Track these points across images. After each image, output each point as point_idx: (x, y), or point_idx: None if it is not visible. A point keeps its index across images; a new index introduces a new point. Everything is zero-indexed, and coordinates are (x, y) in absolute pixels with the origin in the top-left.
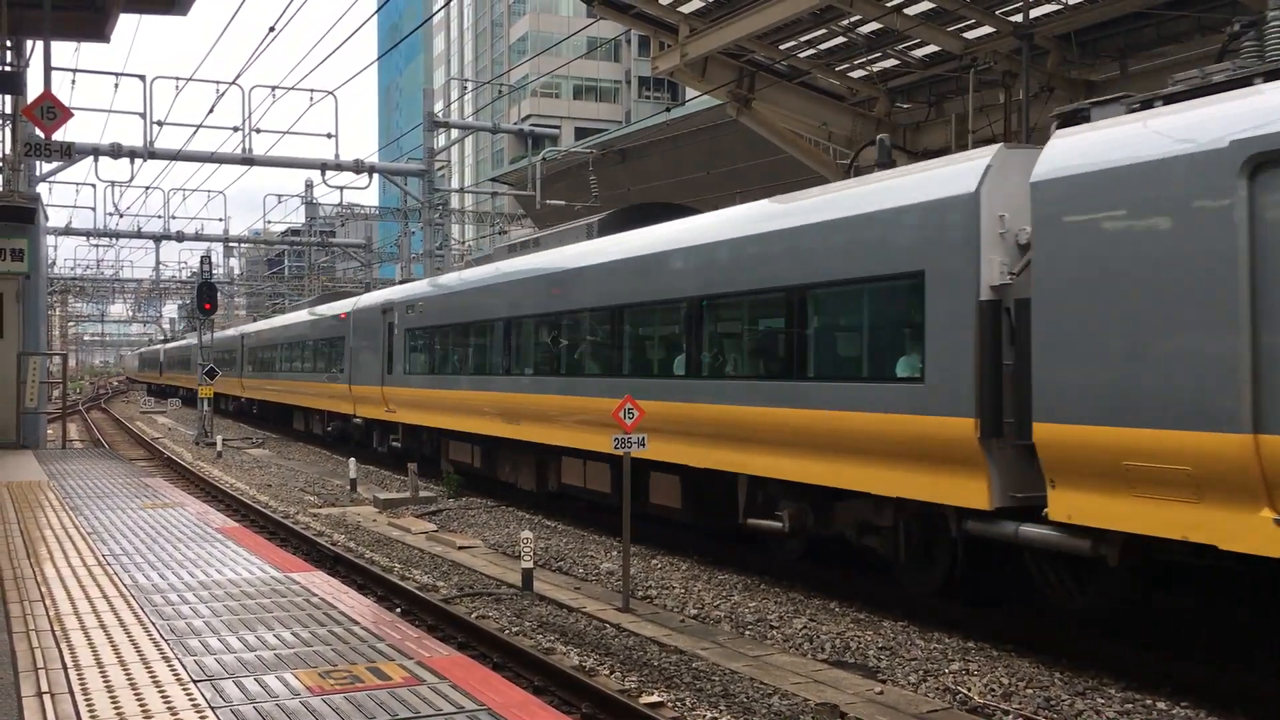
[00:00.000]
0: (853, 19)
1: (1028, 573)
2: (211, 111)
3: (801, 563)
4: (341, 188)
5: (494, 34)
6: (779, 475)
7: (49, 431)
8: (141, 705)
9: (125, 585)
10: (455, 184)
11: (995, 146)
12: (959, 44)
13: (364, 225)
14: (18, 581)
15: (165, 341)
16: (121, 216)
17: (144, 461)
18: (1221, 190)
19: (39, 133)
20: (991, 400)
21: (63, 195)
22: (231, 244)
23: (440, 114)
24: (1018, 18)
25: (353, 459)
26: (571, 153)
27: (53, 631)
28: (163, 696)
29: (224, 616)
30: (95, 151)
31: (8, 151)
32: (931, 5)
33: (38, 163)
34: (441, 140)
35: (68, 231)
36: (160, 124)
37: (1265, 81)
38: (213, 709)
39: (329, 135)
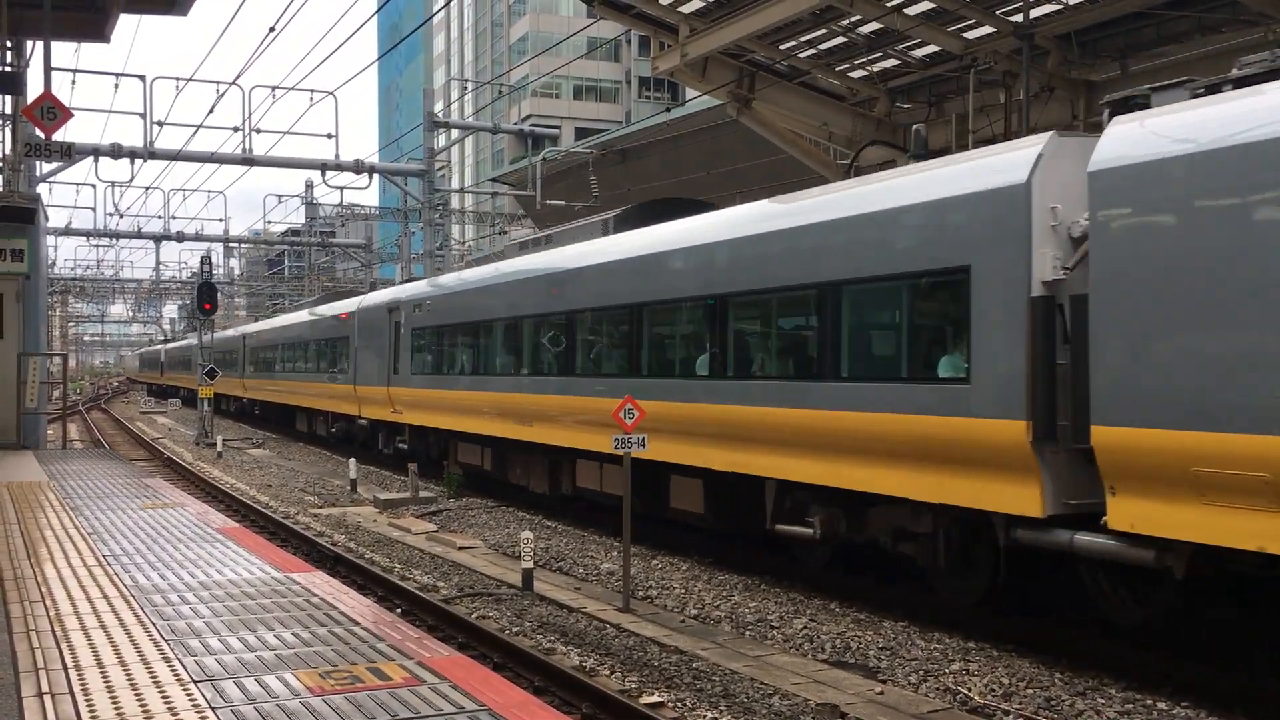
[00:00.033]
0: (853, 19)
1: (1074, 582)
2: (211, 112)
3: (802, 563)
4: (341, 188)
5: (494, 34)
6: (810, 479)
7: (49, 432)
8: (142, 706)
9: (125, 585)
10: (455, 184)
11: (1047, 134)
12: (959, 44)
13: (364, 225)
14: (18, 582)
15: (166, 342)
16: (122, 217)
17: (144, 462)
18: None
19: (39, 133)
20: (1044, 402)
21: (63, 196)
22: (232, 244)
23: (440, 114)
24: (1018, 18)
25: (353, 459)
26: (571, 153)
27: (53, 632)
28: (163, 697)
29: (224, 617)
30: (95, 152)
31: (8, 152)
32: (931, 5)
33: (38, 163)
34: (441, 140)
35: (68, 232)
36: (160, 124)
37: None
38: (213, 709)
39: (329, 135)
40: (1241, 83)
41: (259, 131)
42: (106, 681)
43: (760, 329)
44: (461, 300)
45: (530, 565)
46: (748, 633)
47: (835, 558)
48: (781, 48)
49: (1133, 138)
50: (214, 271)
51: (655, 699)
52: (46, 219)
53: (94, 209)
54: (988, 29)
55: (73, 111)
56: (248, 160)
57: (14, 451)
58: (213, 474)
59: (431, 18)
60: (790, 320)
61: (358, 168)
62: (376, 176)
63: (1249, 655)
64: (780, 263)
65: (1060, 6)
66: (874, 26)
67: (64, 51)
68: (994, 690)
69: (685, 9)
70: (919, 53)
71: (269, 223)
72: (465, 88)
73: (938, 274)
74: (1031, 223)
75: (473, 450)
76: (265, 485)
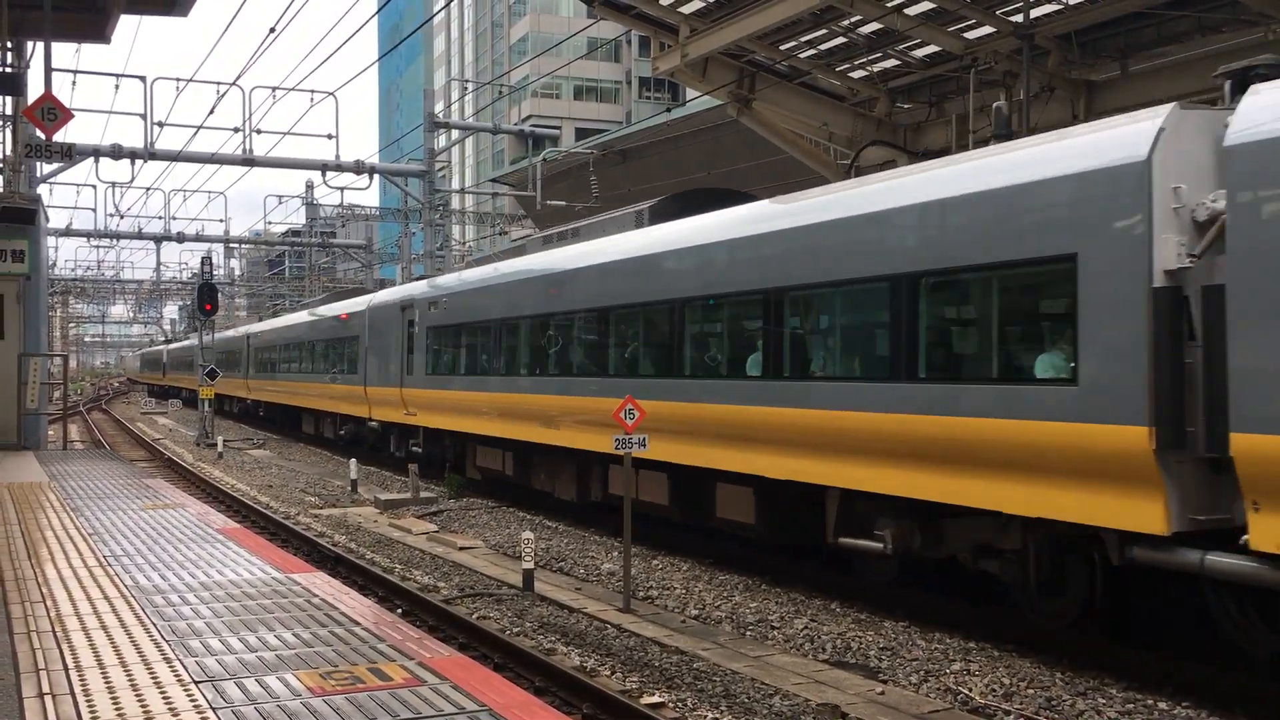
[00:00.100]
0: (853, 19)
1: (1180, 602)
2: (212, 112)
3: (802, 564)
4: (342, 188)
5: (494, 35)
6: (880, 489)
7: (50, 432)
8: (143, 706)
9: (126, 586)
10: (456, 185)
11: (1167, 106)
12: (959, 44)
13: (364, 226)
14: (19, 582)
15: (168, 342)
16: (122, 217)
17: (145, 462)
18: None
19: (40, 134)
20: (1170, 406)
21: (63, 196)
22: (232, 245)
23: (441, 115)
24: (1018, 18)
25: (353, 460)
26: (572, 153)
27: (54, 632)
28: (164, 697)
29: (225, 617)
30: (96, 152)
31: (8, 153)
32: (932, 5)
33: (38, 164)
34: (442, 141)
35: (68, 232)
36: (161, 125)
37: None
38: (214, 710)
39: (329, 136)
40: None
41: (259, 132)
42: (107, 682)
43: (821, 326)
44: (482, 297)
45: (531, 565)
46: (748, 633)
47: (900, 575)
48: (782, 48)
49: (1278, 108)
50: (214, 272)
51: (656, 699)
52: (47, 220)
53: (94, 210)
54: (988, 29)
55: (73, 112)
56: (248, 161)
57: (14, 452)
58: (213, 475)
59: (432, 18)
60: (858, 316)
61: (358, 168)
62: (377, 177)
63: (1250, 655)
64: (847, 254)
65: (1060, 6)
66: (874, 27)
67: (64, 52)
68: (995, 690)
69: (685, 9)
70: (919, 53)
71: (269, 223)
72: (465, 88)
73: (1035, 263)
74: (1153, 205)
75: (493, 454)
76: (266, 486)
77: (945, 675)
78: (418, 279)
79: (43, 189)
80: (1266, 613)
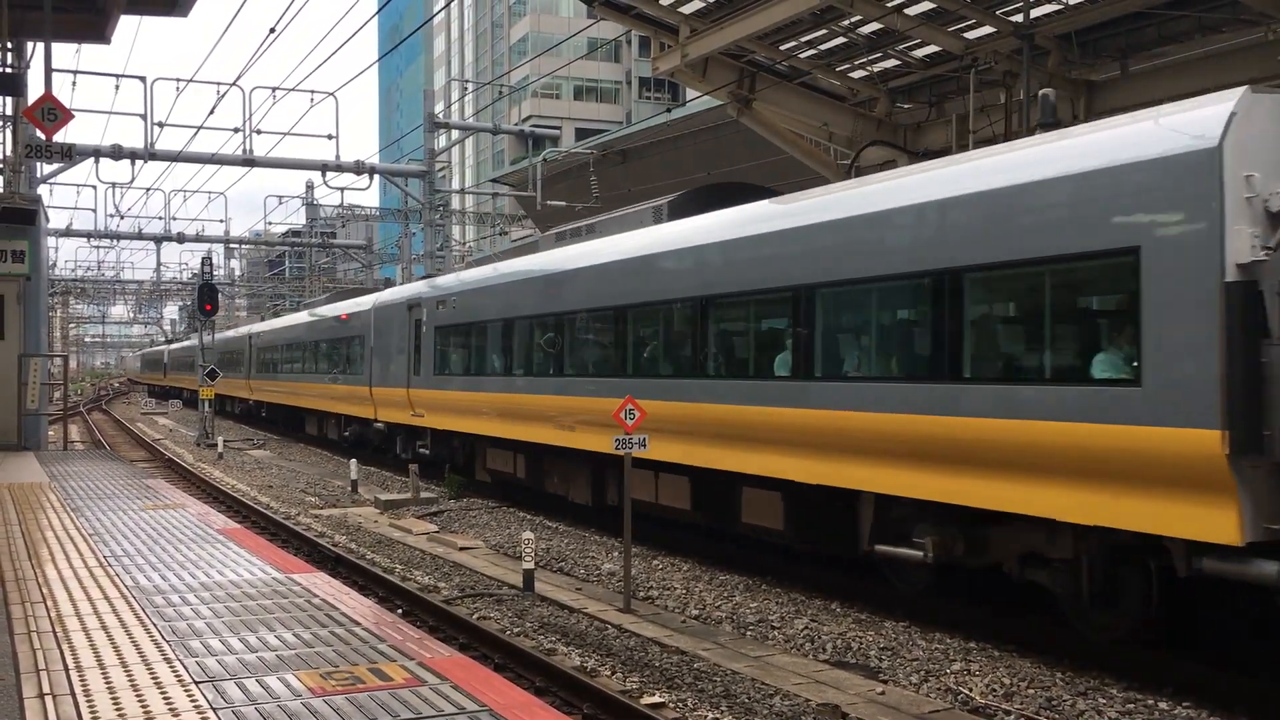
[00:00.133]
0: (853, 19)
1: (1243, 617)
2: (212, 113)
3: (802, 564)
4: (342, 189)
5: (494, 35)
6: (921, 495)
7: (50, 433)
8: (143, 706)
9: (126, 586)
10: (456, 185)
11: (1239, 90)
12: (959, 44)
13: (365, 226)
14: (19, 583)
15: (170, 342)
16: (122, 218)
17: (145, 463)
18: None
19: (40, 134)
20: (1244, 408)
21: (63, 197)
22: (232, 245)
23: (441, 115)
24: (1018, 18)
25: (354, 460)
26: (572, 153)
27: (54, 633)
28: (164, 698)
29: (225, 618)
30: (96, 153)
31: (8, 153)
32: (932, 5)
33: (38, 164)
34: (442, 141)
35: (68, 233)
36: (161, 125)
37: None
38: (214, 710)
39: (330, 136)
40: None
41: (259, 132)
42: (108, 682)
43: (856, 324)
44: (493, 295)
45: (531, 566)
46: (749, 633)
47: (937, 584)
48: (782, 48)
49: None
50: (215, 272)
51: (656, 699)
52: (47, 220)
53: (95, 210)
54: (988, 29)
55: (73, 113)
56: (248, 161)
57: (15, 453)
58: (214, 475)
59: (432, 18)
60: (896, 314)
61: (358, 169)
62: (377, 177)
63: (1250, 655)
64: (884, 249)
65: (1060, 6)
66: (874, 27)
67: (64, 53)
68: (995, 690)
69: (685, 9)
70: (919, 53)
71: (270, 224)
72: (466, 89)
73: (1093, 257)
74: (1224, 194)
75: (504, 456)
76: (266, 486)
77: (945, 675)
78: (420, 279)
79: (43, 189)
80: None
